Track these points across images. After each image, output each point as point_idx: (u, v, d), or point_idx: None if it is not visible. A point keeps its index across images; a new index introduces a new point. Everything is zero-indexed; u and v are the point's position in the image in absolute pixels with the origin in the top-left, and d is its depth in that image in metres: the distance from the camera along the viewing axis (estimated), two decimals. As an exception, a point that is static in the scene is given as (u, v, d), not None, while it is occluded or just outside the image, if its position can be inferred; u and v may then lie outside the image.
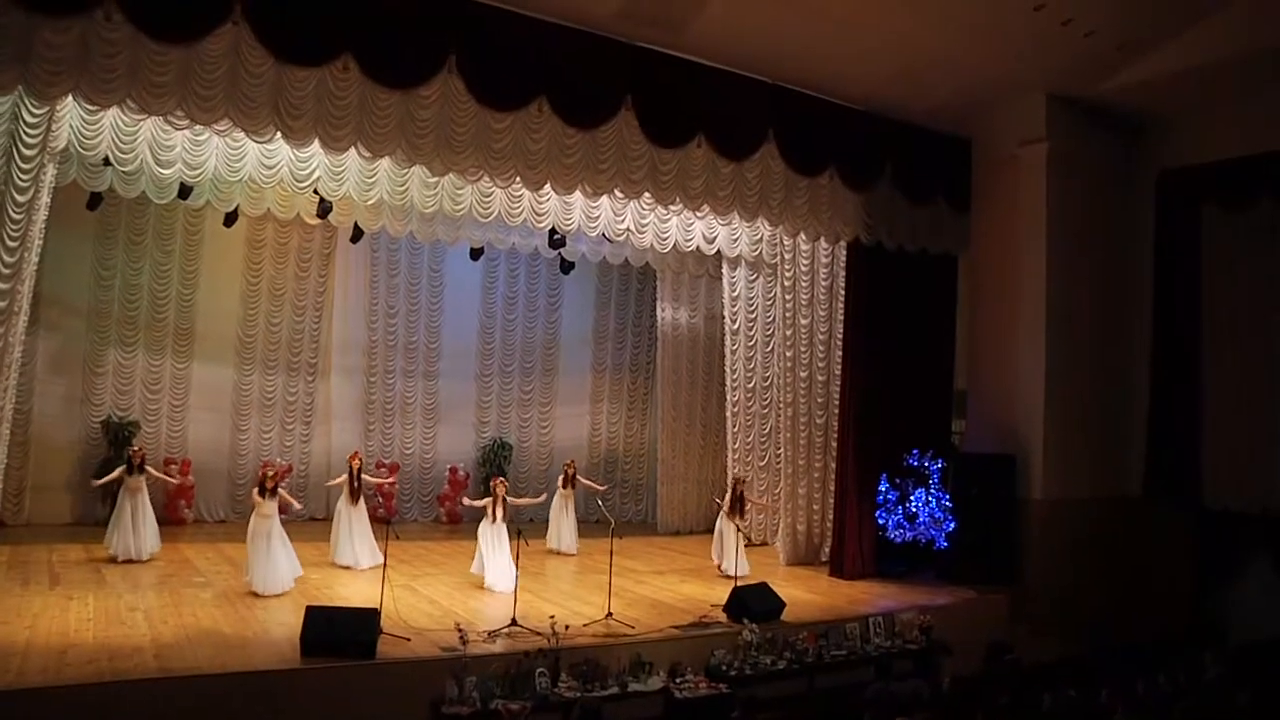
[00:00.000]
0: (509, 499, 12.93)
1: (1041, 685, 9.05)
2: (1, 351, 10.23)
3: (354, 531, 13.03)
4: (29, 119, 10.08)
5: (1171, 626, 12.94)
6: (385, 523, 11.29)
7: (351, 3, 10.41)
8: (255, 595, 10.97)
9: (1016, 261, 14.12)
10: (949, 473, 13.78)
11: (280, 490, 11.93)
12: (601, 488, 15.72)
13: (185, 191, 12.93)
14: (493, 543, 12.27)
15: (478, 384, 18.22)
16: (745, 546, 13.49)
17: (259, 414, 16.34)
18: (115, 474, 12.80)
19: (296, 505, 12.96)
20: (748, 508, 14.41)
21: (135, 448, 13.48)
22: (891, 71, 12.88)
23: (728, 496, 14.09)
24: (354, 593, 11.39)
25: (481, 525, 12.51)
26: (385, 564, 10.53)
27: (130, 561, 12.22)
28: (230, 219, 14.15)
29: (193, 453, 15.70)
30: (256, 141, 11.00)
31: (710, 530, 16.33)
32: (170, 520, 15.10)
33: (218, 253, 15.81)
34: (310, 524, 16.39)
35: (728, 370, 16.56)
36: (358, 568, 12.77)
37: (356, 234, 15.02)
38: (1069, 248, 13.98)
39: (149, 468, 13.09)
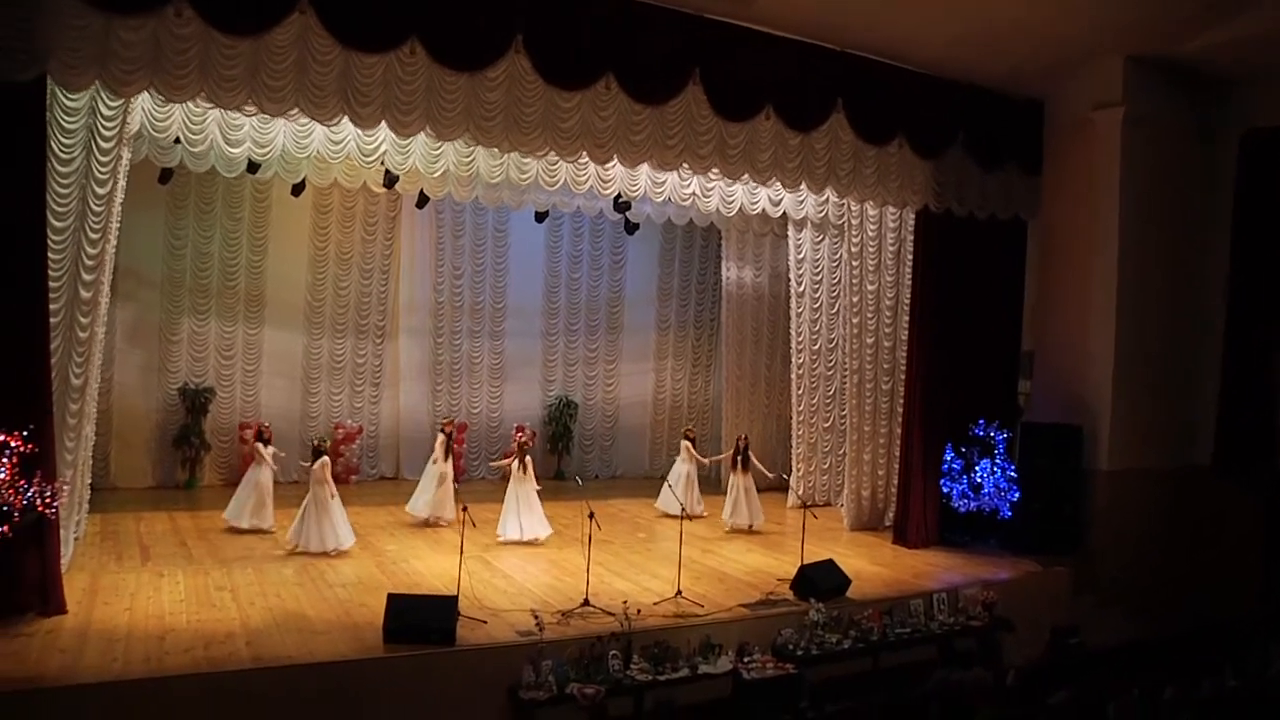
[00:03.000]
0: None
1: (1105, 674, 9.11)
2: (89, 341, 10.54)
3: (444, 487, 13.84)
4: (105, 111, 10.23)
5: (1241, 604, 12.80)
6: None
7: (415, -16, 10.36)
8: (319, 556, 11.76)
9: (1088, 227, 13.86)
10: (1015, 443, 13.72)
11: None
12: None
13: (254, 167, 13.10)
14: (518, 496, 13.17)
15: (543, 342, 18.46)
16: (810, 507, 13.68)
17: (329, 377, 16.71)
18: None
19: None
20: (752, 463, 14.85)
21: (266, 423, 13.94)
22: (964, 35, 12.54)
23: (730, 454, 15.05)
24: (429, 566, 11.72)
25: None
26: (462, 546, 10.73)
27: (253, 531, 12.68)
28: (298, 189, 14.28)
29: (266, 416, 15.97)
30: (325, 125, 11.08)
31: (772, 489, 16.73)
32: (246, 483, 15.65)
33: (285, 219, 16.03)
34: (381, 483, 16.89)
35: (793, 332, 16.54)
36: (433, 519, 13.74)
37: (422, 200, 15.09)
38: (1143, 212, 13.69)
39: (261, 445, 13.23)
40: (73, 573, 10.35)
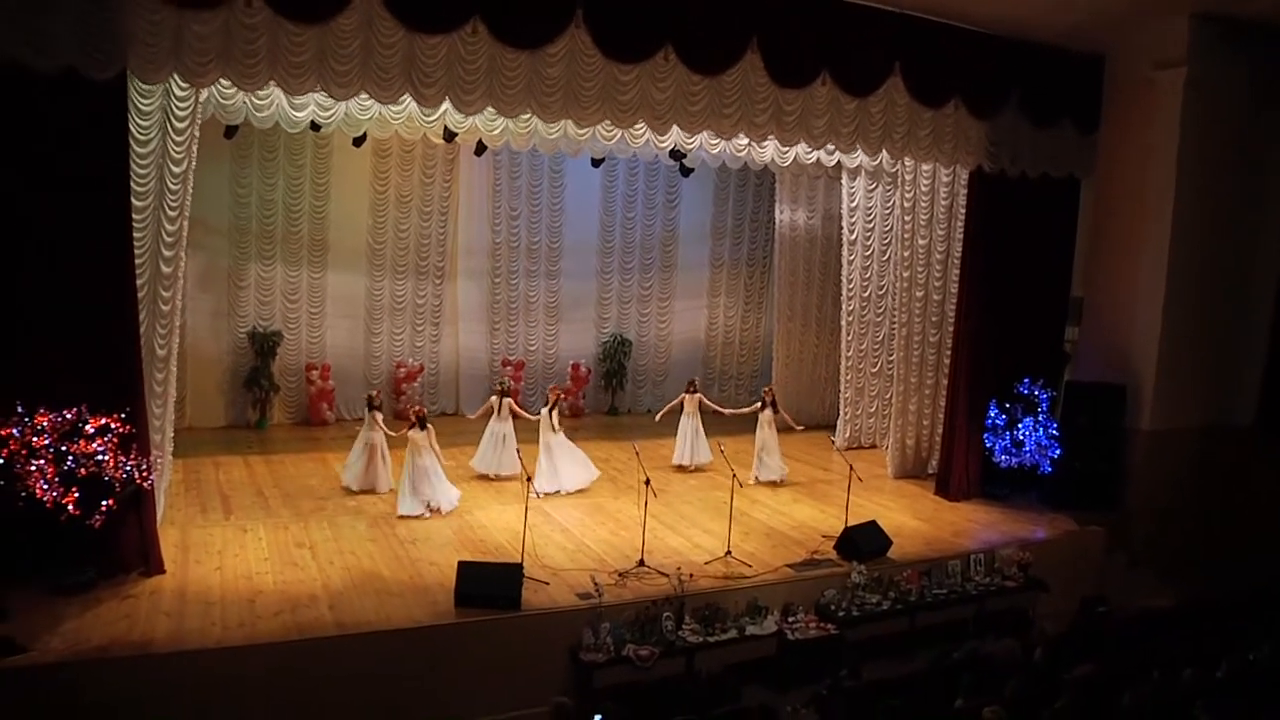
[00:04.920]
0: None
1: (1129, 649, 9.56)
2: (170, 314, 11.12)
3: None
4: (178, 92, 10.62)
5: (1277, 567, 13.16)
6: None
7: (478, -36, 10.46)
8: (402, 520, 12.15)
9: (1143, 188, 13.85)
10: (1058, 401, 14.03)
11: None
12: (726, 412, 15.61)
13: (316, 126, 13.38)
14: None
15: (598, 281, 18.85)
16: (855, 449, 14.15)
17: (390, 318, 17.25)
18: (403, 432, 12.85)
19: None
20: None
21: (418, 405, 13.85)
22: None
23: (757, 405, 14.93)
24: (493, 519, 12.37)
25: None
26: (526, 507, 11.30)
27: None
28: (359, 141, 14.52)
29: (331, 357, 16.75)
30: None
31: (820, 426, 17.26)
32: (313, 422, 16.51)
33: (346, 165, 16.31)
34: (441, 419, 17.37)
35: (844, 279, 16.77)
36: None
37: (480, 148, 15.26)
38: (1199, 173, 13.62)
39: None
40: (164, 527, 11.02)
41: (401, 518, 12.20)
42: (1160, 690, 8.53)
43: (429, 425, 12.64)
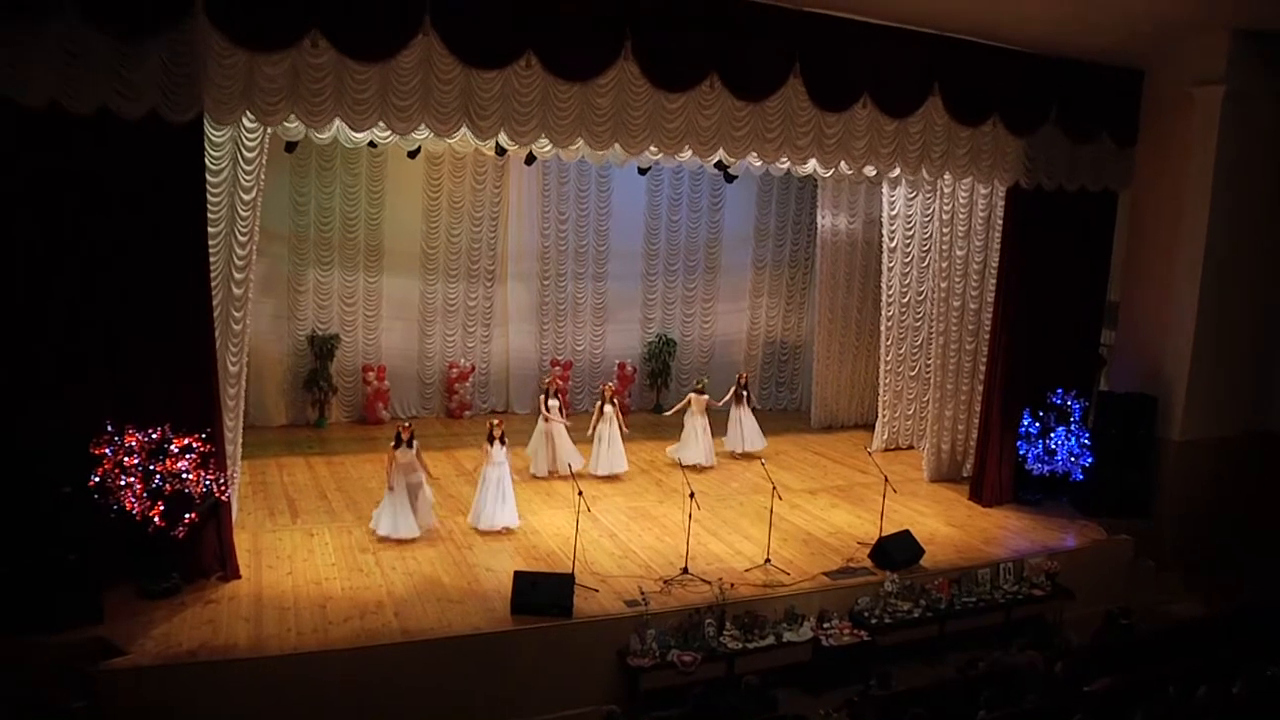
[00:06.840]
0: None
1: (1147, 663, 9.95)
2: (241, 333, 11.82)
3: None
4: (248, 125, 11.18)
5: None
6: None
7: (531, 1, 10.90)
8: (458, 526, 12.73)
9: (1179, 201, 14.07)
10: (1090, 412, 14.38)
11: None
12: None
13: (374, 144, 13.93)
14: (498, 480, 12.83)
15: (643, 283, 19.37)
16: (893, 451, 15.01)
17: (443, 320, 17.87)
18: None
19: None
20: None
21: (497, 420, 13.31)
22: (1066, 11, 12.41)
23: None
24: (544, 523, 12.98)
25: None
26: (578, 515, 11.85)
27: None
28: (413, 154, 15.11)
29: (386, 358, 17.43)
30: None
31: (859, 426, 17.73)
32: (369, 421, 17.19)
33: (400, 173, 16.88)
34: (491, 416, 18.06)
35: (884, 286, 17.15)
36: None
37: (530, 158, 15.75)
38: (1235, 186, 13.82)
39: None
40: (237, 531, 11.60)
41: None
42: (1175, 706, 8.93)
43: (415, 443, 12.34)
